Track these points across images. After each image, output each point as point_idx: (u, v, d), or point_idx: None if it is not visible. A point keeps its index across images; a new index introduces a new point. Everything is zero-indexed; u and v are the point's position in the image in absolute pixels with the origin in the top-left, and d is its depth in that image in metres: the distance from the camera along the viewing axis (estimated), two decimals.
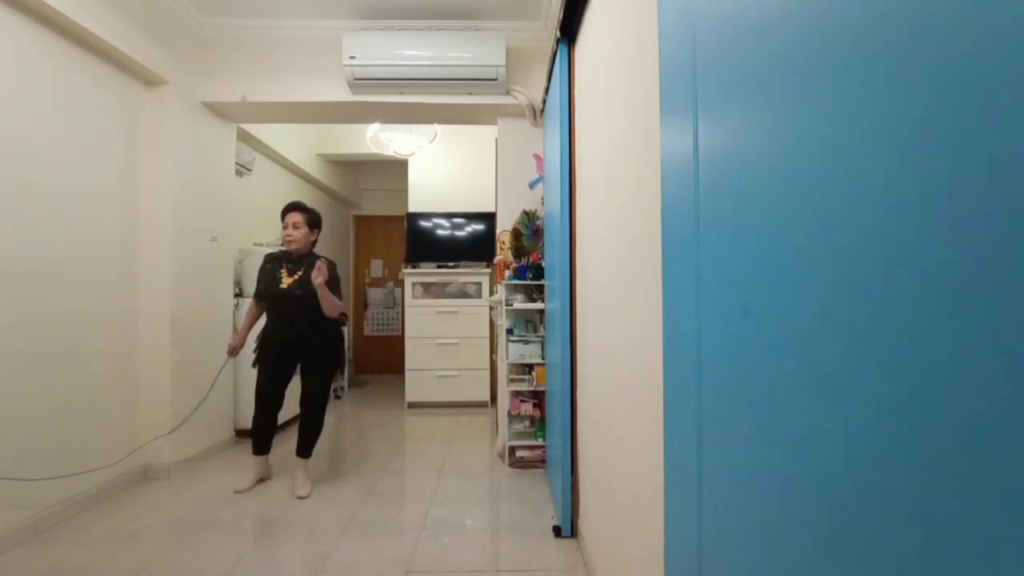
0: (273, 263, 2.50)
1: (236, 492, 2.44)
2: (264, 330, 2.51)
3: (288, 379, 2.54)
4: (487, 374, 4.22)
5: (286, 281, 2.43)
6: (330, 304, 2.38)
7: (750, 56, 0.58)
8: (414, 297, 4.28)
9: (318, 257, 2.42)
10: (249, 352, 2.52)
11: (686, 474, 0.77)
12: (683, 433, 0.79)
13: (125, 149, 2.56)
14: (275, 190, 4.36)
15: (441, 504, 2.32)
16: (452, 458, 2.97)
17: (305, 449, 2.51)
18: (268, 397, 2.50)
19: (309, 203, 2.60)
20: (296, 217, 2.47)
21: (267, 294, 2.46)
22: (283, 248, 2.54)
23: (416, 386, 4.21)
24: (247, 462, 2.69)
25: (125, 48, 2.39)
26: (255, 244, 3.78)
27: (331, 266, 2.41)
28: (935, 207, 0.33)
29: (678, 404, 0.82)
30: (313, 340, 2.47)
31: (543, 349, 2.77)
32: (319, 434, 2.55)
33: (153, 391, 2.66)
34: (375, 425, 3.75)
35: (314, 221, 2.53)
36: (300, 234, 2.46)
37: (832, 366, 0.44)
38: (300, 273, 2.44)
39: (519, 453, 2.82)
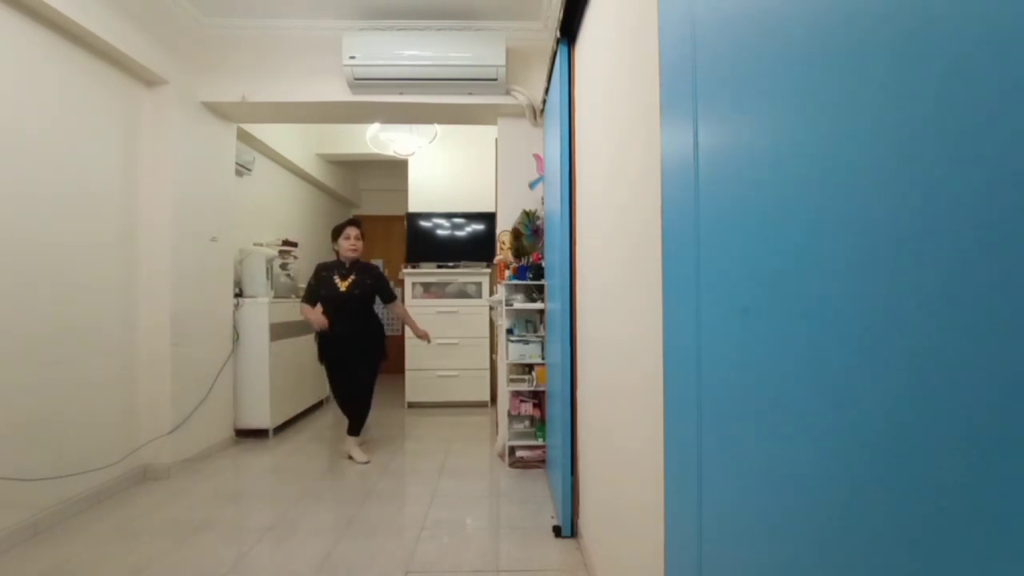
0: (327, 271, 2.92)
1: (363, 463, 2.86)
2: (322, 334, 2.90)
3: (352, 367, 2.94)
4: (487, 374, 4.21)
5: (343, 285, 2.85)
6: (405, 319, 3.15)
7: (750, 56, 0.58)
8: (414, 297, 4.28)
9: (367, 263, 3.00)
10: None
11: (686, 474, 0.77)
12: (683, 432, 0.79)
13: (125, 149, 2.56)
14: (275, 190, 4.36)
15: (441, 504, 2.32)
16: (452, 458, 2.97)
17: (356, 428, 2.97)
18: (344, 385, 2.94)
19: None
20: (356, 231, 2.93)
21: (328, 297, 2.87)
22: (336, 259, 2.97)
23: (416, 386, 4.21)
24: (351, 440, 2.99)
25: (125, 48, 2.39)
26: (255, 244, 3.77)
27: (383, 273, 3.02)
28: (935, 207, 0.33)
29: (678, 403, 0.82)
30: (366, 334, 2.92)
31: (543, 349, 2.77)
32: (367, 415, 3.02)
33: (153, 391, 2.66)
34: (375, 425, 3.75)
35: (362, 234, 3.00)
36: (360, 245, 2.94)
37: (832, 365, 0.44)
38: (353, 277, 2.90)
39: (519, 453, 2.82)
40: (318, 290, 2.90)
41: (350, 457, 2.93)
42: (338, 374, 2.94)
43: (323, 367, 3.00)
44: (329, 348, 2.91)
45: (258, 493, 2.48)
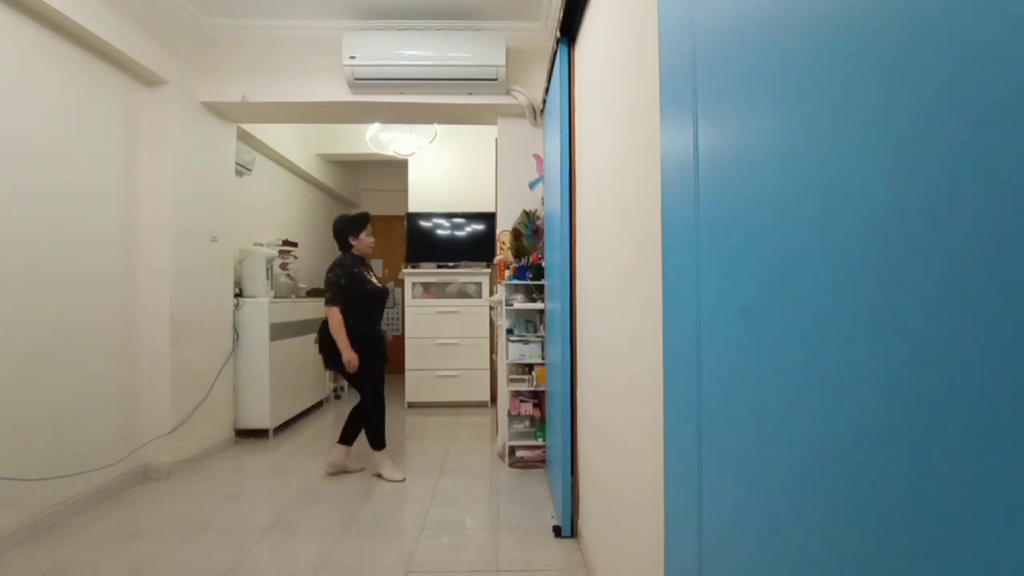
0: (357, 267, 2.68)
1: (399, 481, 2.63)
2: (366, 332, 2.64)
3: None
4: (487, 374, 4.21)
5: (376, 281, 2.74)
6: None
7: (750, 56, 0.58)
8: (414, 297, 4.28)
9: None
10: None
11: (686, 474, 0.77)
12: (683, 432, 0.79)
13: (125, 149, 2.56)
14: (275, 190, 4.35)
15: (441, 504, 2.32)
16: (452, 458, 2.97)
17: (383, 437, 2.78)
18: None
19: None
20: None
21: (371, 293, 2.68)
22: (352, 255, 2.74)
23: (416, 386, 4.20)
24: (381, 454, 2.72)
25: (125, 48, 2.39)
26: (255, 244, 3.77)
27: None
28: (935, 207, 0.33)
29: (678, 403, 0.82)
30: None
31: (543, 349, 2.77)
32: None
33: (153, 391, 2.66)
34: None
35: None
36: None
37: (831, 365, 0.44)
38: (374, 274, 2.79)
39: (519, 453, 2.82)
40: (350, 290, 2.58)
41: (379, 475, 2.65)
42: (383, 379, 2.73)
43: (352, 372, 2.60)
44: (378, 349, 2.67)
45: (258, 493, 2.47)
